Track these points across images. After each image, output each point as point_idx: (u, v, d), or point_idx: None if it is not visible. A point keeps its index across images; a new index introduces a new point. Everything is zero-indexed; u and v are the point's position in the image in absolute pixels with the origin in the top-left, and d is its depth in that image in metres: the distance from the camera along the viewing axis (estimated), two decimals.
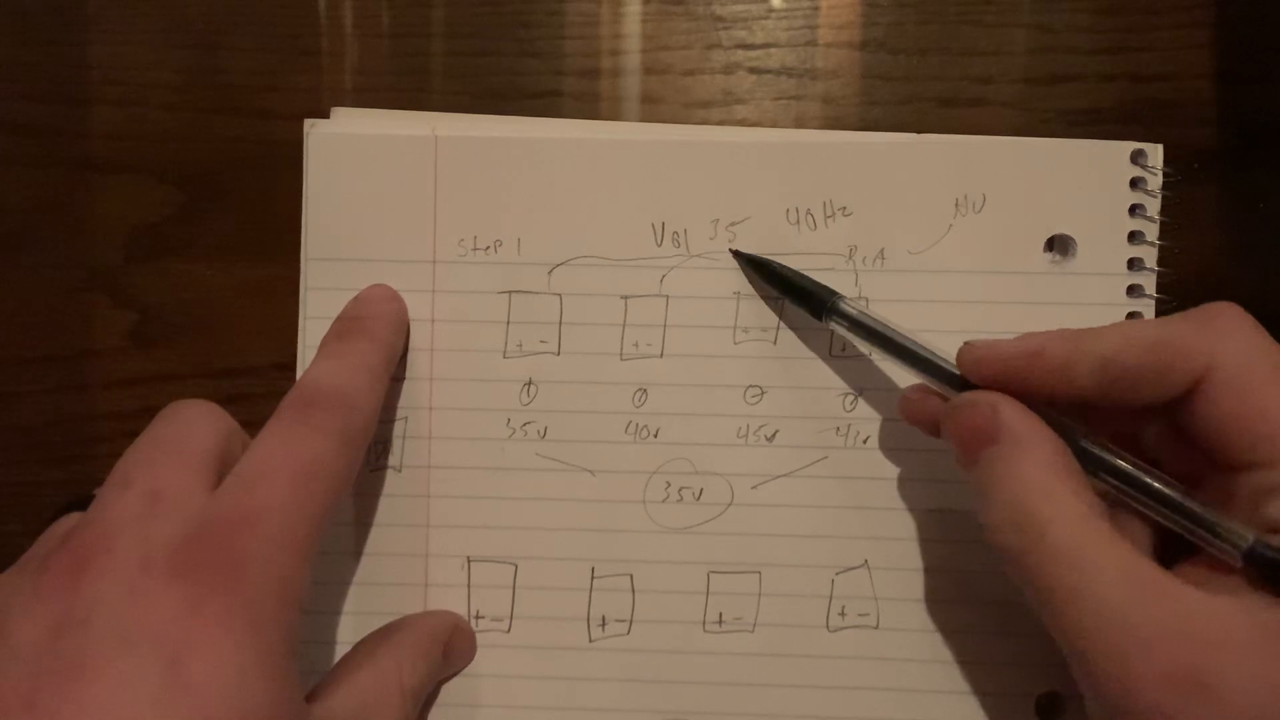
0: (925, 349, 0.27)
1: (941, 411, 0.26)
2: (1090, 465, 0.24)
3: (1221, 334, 0.24)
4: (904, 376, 0.30)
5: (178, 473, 0.24)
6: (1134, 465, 0.24)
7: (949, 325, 0.30)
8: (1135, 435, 0.26)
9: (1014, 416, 0.24)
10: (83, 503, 0.25)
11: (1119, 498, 0.24)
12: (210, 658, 0.21)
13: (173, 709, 0.20)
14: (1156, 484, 0.24)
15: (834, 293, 0.29)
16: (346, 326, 0.29)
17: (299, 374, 0.31)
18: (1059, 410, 0.25)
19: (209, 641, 0.21)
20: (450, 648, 0.29)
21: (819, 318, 0.29)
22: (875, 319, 0.28)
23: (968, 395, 0.26)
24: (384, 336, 0.29)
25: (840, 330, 0.28)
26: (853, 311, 0.28)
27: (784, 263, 0.30)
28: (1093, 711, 0.23)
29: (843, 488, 0.30)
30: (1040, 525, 0.23)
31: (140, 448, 0.25)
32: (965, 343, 0.26)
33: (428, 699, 0.30)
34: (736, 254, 0.30)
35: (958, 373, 0.26)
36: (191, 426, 0.25)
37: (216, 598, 0.21)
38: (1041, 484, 0.23)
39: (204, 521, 0.22)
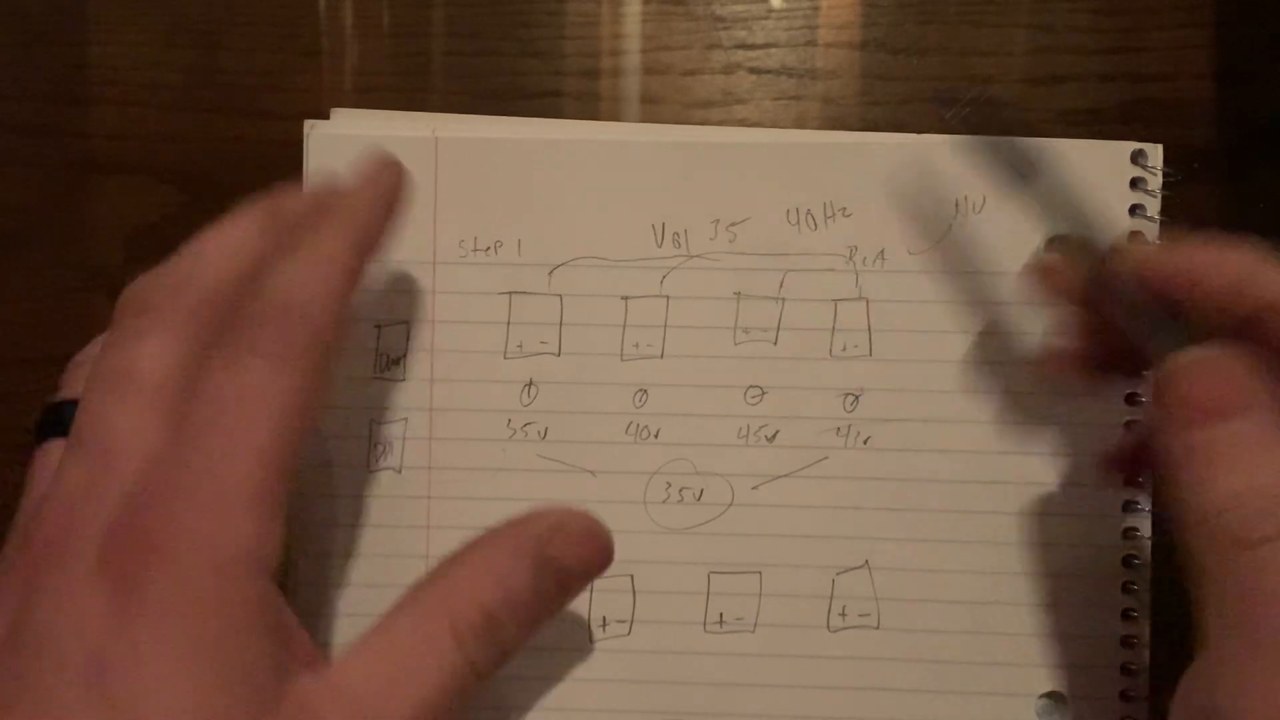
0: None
1: (1166, 369, 0.22)
2: None
3: None
4: (906, 377, 0.30)
5: (130, 418, 0.21)
6: None
7: (949, 325, 0.30)
8: None
9: (1263, 388, 0.21)
10: (57, 419, 0.24)
11: None
12: (131, 664, 0.19)
13: None
14: None
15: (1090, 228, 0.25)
16: (310, 205, 0.24)
17: None
18: None
19: (130, 646, 0.19)
20: (551, 546, 0.23)
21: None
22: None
23: (1216, 355, 0.22)
24: (351, 216, 0.24)
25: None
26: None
27: (790, 262, 0.30)
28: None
29: (843, 488, 0.30)
30: None
31: (93, 384, 0.22)
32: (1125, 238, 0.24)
33: None
34: (976, 126, 0.27)
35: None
36: (143, 343, 0.22)
37: (138, 591, 0.19)
38: None
39: (131, 496, 0.20)
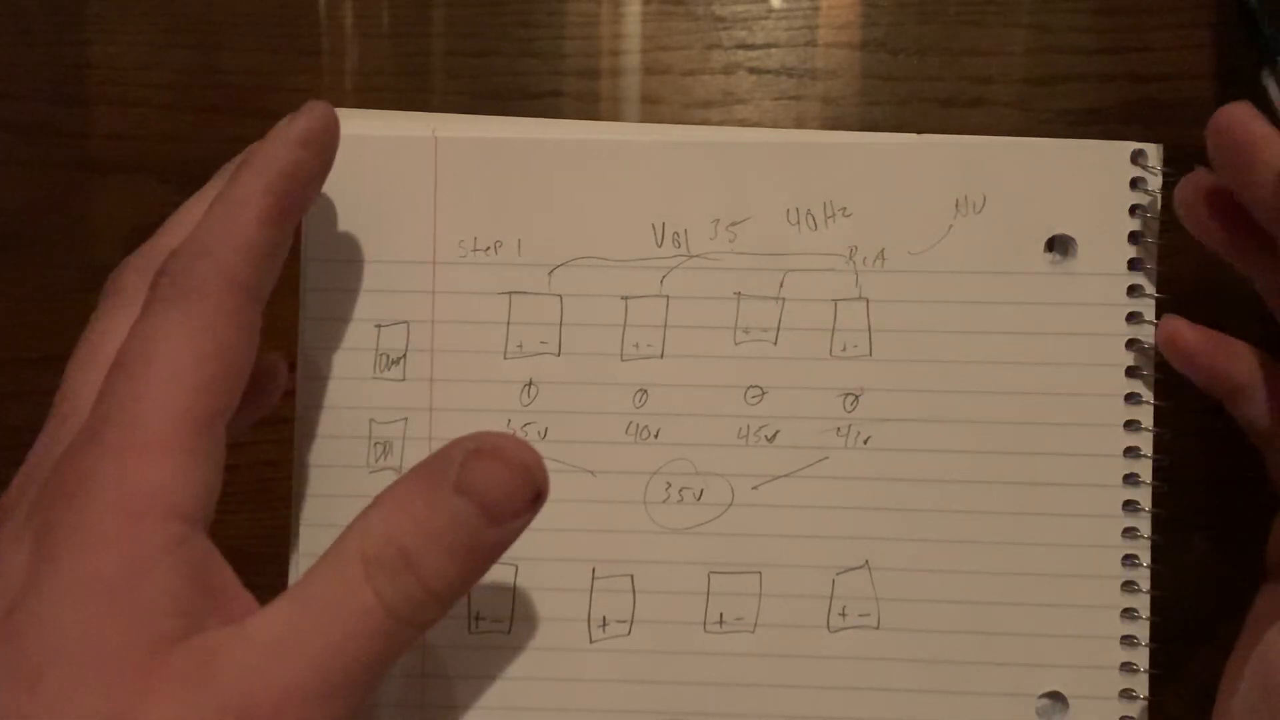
0: None
1: None
2: None
3: None
4: (906, 377, 0.30)
5: (87, 387, 0.22)
6: None
7: (949, 325, 0.30)
8: None
9: None
10: None
11: None
12: (33, 602, 0.19)
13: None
14: None
15: None
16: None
17: (298, 375, 0.31)
18: None
19: (35, 585, 0.19)
20: (463, 484, 0.21)
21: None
22: None
23: None
24: (262, 160, 0.24)
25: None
26: None
27: (790, 262, 0.30)
28: None
29: (843, 488, 0.30)
30: None
31: (68, 364, 0.23)
32: None
33: (428, 700, 0.30)
34: None
35: None
36: (108, 320, 0.23)
37: (49, 535, 0.19)
38: None
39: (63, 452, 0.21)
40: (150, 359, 0.21)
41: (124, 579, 0.19)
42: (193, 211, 0.25)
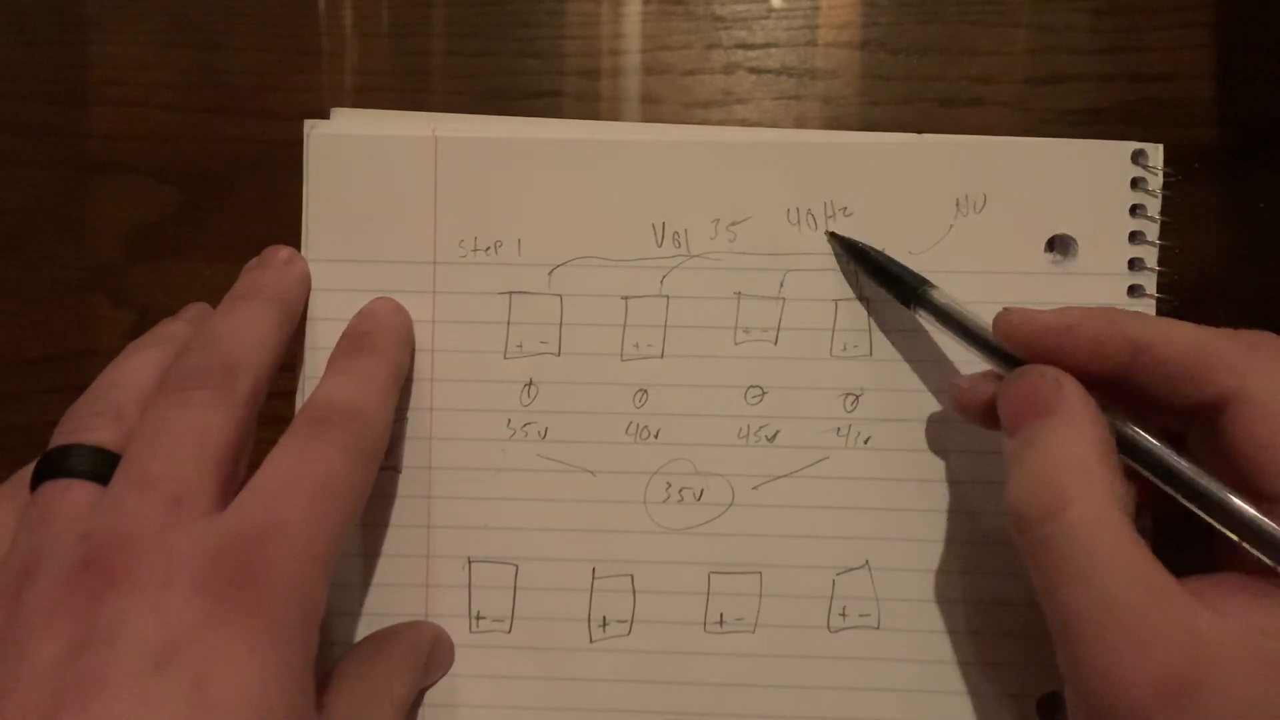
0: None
1: (1002, 383, 0.26)
2: (1144, 458, 0.24)
3: (1262, 359, 0.24)
4: (906, 377, 0.30)
5: (199, 473, 0.23)
6: (1200, 470, 0.23)
7: None
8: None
9: (1075, 393, 0.24)
10: (58, 464, 0.24)
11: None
12: (235, 676, 0.21)
13: None
14: (1216, 489, 0.23)
15: (925, 280, 0.28)
16: (354, 343, 0.29)
17: (300, 375, 0.31)
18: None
19: (234, 659, 0.21)
20: (431, 659, 0.29)
21: (907, 305, 0.29)
22: (961, 310, 0.27)
23: (1034, 365, 0.25)
24: (391, 352, 0.29)
25: (925, 320, 0.28)
26: (942, 302, 0.28)
27: (791, 262, 0.30)
28: (1072, 701, 0.23)
29: (843, 488, 0.30)
30: (1066, 500, 0.22)
31: (157, 437, 0.24)
32: (1003, 309, 0.26)
33: (428, 699, 0.30)
34: (833, 236, 0.30)
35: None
36: (211, 414, 0.25)
37: (241, 615, 0.21)
38: (1080, 461, 0.23)
39: (226, 535, 0.22)
40: (328, 489, 0.24)
41: (305, 677, 0.22)
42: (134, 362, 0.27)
